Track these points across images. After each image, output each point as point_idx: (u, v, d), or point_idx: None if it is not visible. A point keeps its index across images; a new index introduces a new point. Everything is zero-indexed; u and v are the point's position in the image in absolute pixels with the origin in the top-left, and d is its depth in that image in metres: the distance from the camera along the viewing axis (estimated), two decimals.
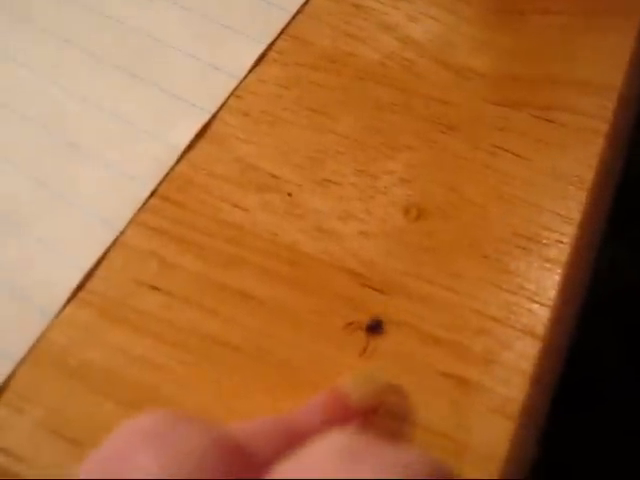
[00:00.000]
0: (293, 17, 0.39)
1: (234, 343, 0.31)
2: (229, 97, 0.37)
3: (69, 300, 0.32)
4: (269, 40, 0.38)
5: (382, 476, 0.17)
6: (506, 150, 0.35)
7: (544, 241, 0.33)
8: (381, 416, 0.29)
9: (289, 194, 0.34)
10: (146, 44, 0.39)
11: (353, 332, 0.31)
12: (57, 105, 0.37)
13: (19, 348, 0.31)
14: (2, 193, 0.35)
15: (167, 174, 0.35)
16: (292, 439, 0.24)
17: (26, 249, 0.33)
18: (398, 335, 0.31)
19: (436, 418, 0.29)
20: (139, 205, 0.34)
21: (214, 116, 0.36)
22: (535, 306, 0.32)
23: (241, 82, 0.37)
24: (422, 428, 0.29)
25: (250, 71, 0.38)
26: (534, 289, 0.32)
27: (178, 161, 0.35)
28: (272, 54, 0.38)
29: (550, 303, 0.32)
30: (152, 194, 0.34)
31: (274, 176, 0.34)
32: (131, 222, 0.34)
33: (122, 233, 0.33)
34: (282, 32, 0.39)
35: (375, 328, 0.31)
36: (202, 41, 0.39)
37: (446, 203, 0.34)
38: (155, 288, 0.32)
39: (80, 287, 0.32)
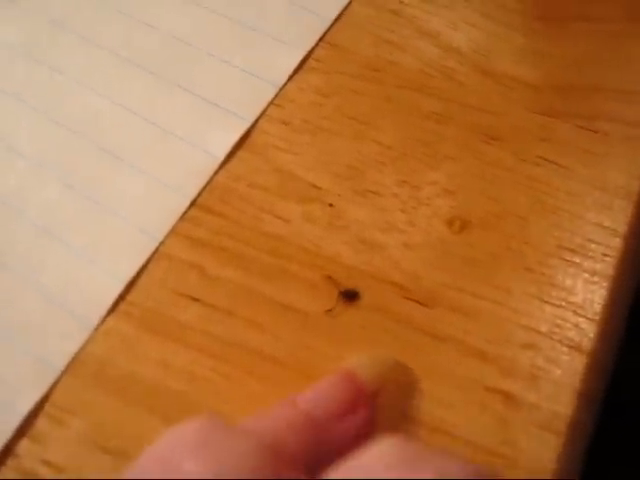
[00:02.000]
0: (332, 24, 0.39)
1: (278, 357, 0.30)
2: (268, 106, 0.36)
3: (110, 311, 0.32)
4: (308, 48, 0.38)
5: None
6: (550, 161, 0.34)
7: (589, 254, 0.32)
8: (389, 396, 0.28)
9: (330, 205, 0.34)
10: (183, 51, 0.39)
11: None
12: (93, 112, 0.37)
13: (60, 359, 0.31)
14: (40, 202, 0.35)
15: (207, 184, 0.34)
16: (315, 429, 0.24)
17: (65, 259, 0.33)
18: (443, 349, 0.30)
19: (482, 433, 0.29)
20: (179, 215, 0.34)
21: (253, 125, 0.36)
22: (581, 320, 0.31)
23: (280, 90, 0.37)
24: (468, 443, 0.28)
25: (289, 79, 0.37)
26: (580, 303, 0.31)
27: (217, 171, 0.35)
28: (311, 62, 0.38)
29: (596, 317, 0.31)
30: (192, 204, 0.34)
31: (315, 186, 0.34)
32: (171, 232, 0.33)
33: (162, 244, 0.33)
34: (321, 40, 0.38)
35: (350, 296, 0.31)
36: (240, 49, 0.39)
37: (490, 215, 0.33)
38: (196, 299, 0.32)
39: (121, 298, 0.32)
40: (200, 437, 0.20)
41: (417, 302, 0.31)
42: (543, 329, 0.31)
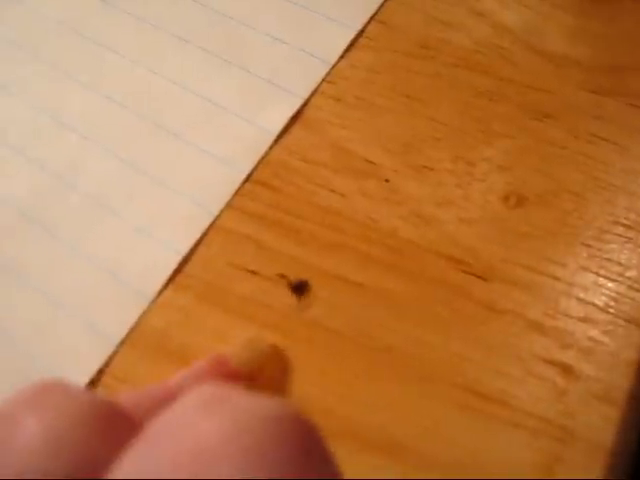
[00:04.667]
0: (383, 3, 0.39)
1: (335, 328, 0.31)
2: (321, 83, 0.37)
3: (167, 284, 0.32)
4: (359, 26, 0.38)
5: (240, 423, 0.17)
6: (603, 138, 0.34)
7: None
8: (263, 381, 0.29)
9: (386, 180, 0.34)
10: (235, 29, 0.39)
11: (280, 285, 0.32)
12: (148, 89, 0.38)
13: (118, 331, 0.31)
14: (95, 177, 0.35)
15: (261, 159, 0.35)
16: (167, 402, 0.24)
17: (122, 233, 0.34)
18: (502, 322, 0.30)
19: (541, 405, 0.29)
20: (234, 189, 0.34)
21: (307, 101, 0.36)
22: (637, 294, 0.31)
23: (333, 68, 0.37)
24: (527, 414, 0.29)
25: (341, 57, 0.37)
26: (635, 277, 0.31)
27: (272, 146, 0.35)
28: (363, 40, 0.38)
29: None
30: (247, 179, 0.34)
31: (370, 162, 0.34)
32: (227, 206, 0.34)
33: (218, 217, 0.33)
34: (372, 18, 0.38)
35: (299, 288, 0.32)
36: (292, 27, 0.39)
37: (545, 191, 0.33)
38: (253, 272, 0.32)
39: (178, 271, 0.32)
40: (37, 395, 0.20)
41: (475, 276, 0.31)
42: (599, 303, 0.31)
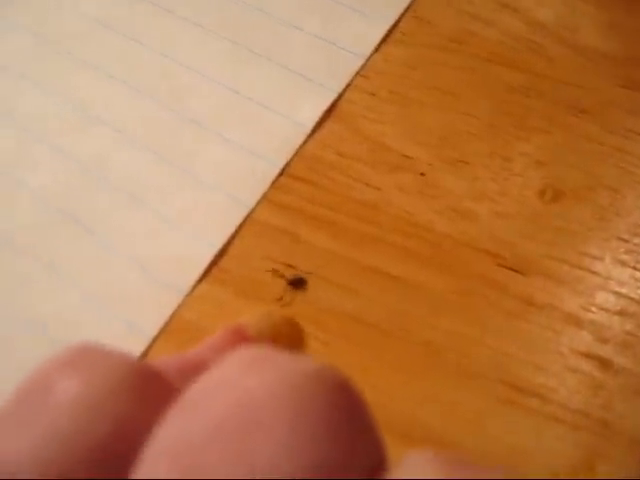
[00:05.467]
0: None
1: (373, 322, 0.31)
2: (355, 77, 0.37)
3: (202, 277, 0.32)
4: (392, 20, 0.38)
5: (285, 380, 0.16)
6: (638, 133, 0.34)
7: None
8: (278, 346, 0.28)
9: (422, 174, 0.34)
10: (268, 22, 0.39)
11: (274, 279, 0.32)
12: (177, 82, 0.38)
13: (153, 325, 0.31)
14: (128, 171, 0.35)
15: (295, 153, 0.35)
16: (198, 369, 0.24)
17: (156, 227, 0.34)
18: (539, 316, 0.30)
19: (580, 399, 0.29)
20: (269, 183, 0.34)
21: (340, 96, 0.36)
22: None
23: (366, 62, 0.37)
24: (566, 409, 0.28)
25: (375, 51, 0.37)
26: None
27: (306, 140, 0.35)
28: (396, 34, 0.38)
29: None
30: (281, 172, 0.34)
31: (406, 156, 0.34)
32: (262, 200, 0.34)
33: (253, 211, 0.33)
34: (405, 12, 0.38)
35: (298, 283, 0.32)
36: (325, 20, 0.39)
37: (581, 186, 0.33)
38: (289, 266, 0.32)
39: (212, 264, 0.32)
40: (76, 356, 0.20)
41: (511, 270, 0.31)
42: (636, 296, 0.31)
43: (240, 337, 0.27)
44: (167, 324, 0.31)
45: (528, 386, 0.29)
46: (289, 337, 0.30)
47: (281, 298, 0.31)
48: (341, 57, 0.37)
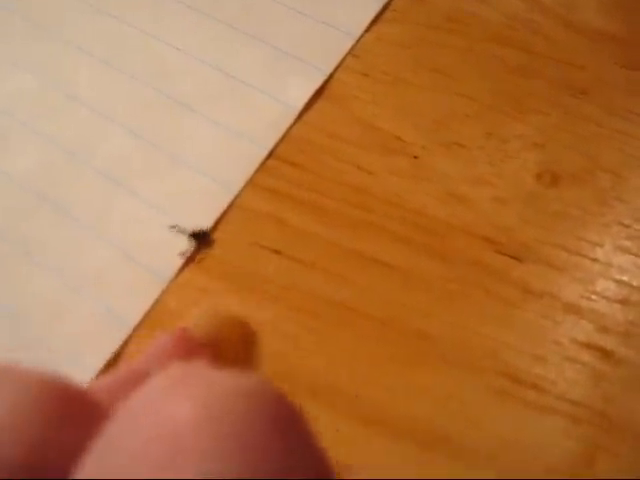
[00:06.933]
0: None
1: (364, 310, 0.29)
2: (346, 57, 0.35)
3: (185, 264, 0.31)
4: None
5: (210, 405, 0.16)
6: (639, 114, 0.33)
7: None
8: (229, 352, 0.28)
9: (415, 157, 0.32)
10: (256, 1, 0.37)
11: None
12: (162, 63, 0.36)
13: (134, 313, 0.30)
14: (110, 154, 0.34)
15: (284, 135, 0.33)
16: (136, 384, 0.23)
17: (138, 212, 0.32)
18: (538, 305, 0.29)
19: (580, 390, 0.28)
20: (256, 166, 0.33)
21: (331, 76, 0.35)
22: None
23: (358, 41, 0.36)
24: (565, 400, 0.27)
25: (366, 30, 0.36)
26: None
27: (295, 122, 0.34)
28: (389, 12, 0.36)
29: None
30: (269, 155, 0.33)
31: (398, 138, 0.33)
32: (248, 184, 0.32)
33: (239, 195, 0.32)
34: None
35: (201, 237, 0.31)
36: None
37: (580, 169, 0.32)
38: (277, 252, 0.31)
39: (196, 251, 0.31)
40: None
41: (509, 256, 0.30)
42: (637, 284, 0.30)
43: (184, 342, 0.26)
44: (149, 312, 0.30)
45: (525, 377, 0.28)
46: (238, 338, 0.29)
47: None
48: (332, 36, 0.36)
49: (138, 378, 0.23)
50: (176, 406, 0.16)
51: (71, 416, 0.18)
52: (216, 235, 0.31)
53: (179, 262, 0.31)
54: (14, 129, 0.35)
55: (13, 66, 0.37)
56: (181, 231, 0.31)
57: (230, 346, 0.28)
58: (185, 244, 0.31)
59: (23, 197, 0.33)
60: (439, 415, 0.27)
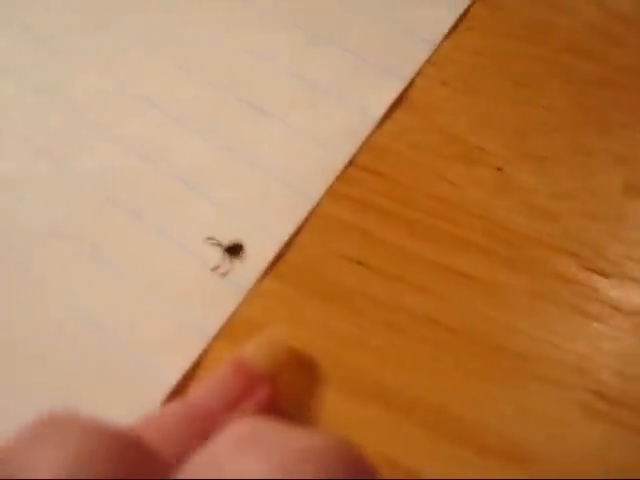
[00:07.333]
0: None
1: (447, 323, 0.29)
2: (424, 65, 0.35)
3: (265, 273, 0.31)
4: (464, 6, 0.36)
5: (279, 462, 0.15)
6: None
7: None
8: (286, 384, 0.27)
9: (498, 169, 0.32)
10: (332, 6, 0.37)
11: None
12: (238, 67, 0.36)
13: (213, 323, 0.30)
14: (184, 158, 0.33)
15: (363, 143, 0.33)
16: (204, 421, 0.23)
17: (215, 217, 0.32)
18: (627, 324, 0.29)
19: None
20: (335, 175, 0.32)
21: (410, 84, 0.34)
22: None
23: (436, 50, 0.35)
24: None
25: (445, 38, 0.36)
26: None
27: (374, 130, 0.33)
28: (467, 21, 0.36)
29: None
30: (349, 164, 0.33)
31: (481, 149, 0.33)
32: (328, 192, 0.32)
33: (318, 203, 0.32)
34: None
35: (234, 250, 0.31)
36: (391, 5, 0.37)
37: None
38: (358, 262, 0.30)
39: (276, 259, 0.31)
40: (47, 430, 0.19)
41: (596, 272, 0.30)
42: None
43: (243, 374, 0.26)
44: (228, 322, 0.29)
45: (614, 394, 0.27)
46: (297, 369, 0.29)
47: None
48: (410, 44, 0.35)
49: (193, 416, 0.23)
50: (250, 465, 0.15)
51: (130, 464, 0.18)
52: (296, 244, 0.31)
53: (257, 271, 0.30)
54: (85, 129, 0.35)
55: (84, 66, 0.36)
56: (217, 244, 0.31)
57: (288, 378, 0.28)
58: (218, 258, 0.31)
59: (93, 200, 0.33)
60: (522, 430, 0.27)
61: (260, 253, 0.31)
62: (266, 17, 0.37)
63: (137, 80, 0.36)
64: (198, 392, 0.25)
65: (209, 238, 0.31)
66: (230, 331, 0.29)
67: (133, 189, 0.33)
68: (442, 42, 0.36)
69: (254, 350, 0.27)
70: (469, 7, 0.36)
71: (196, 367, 0.29)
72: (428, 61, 0.35)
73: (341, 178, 0.32)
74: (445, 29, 0.36)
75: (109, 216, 0.32)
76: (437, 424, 0.27)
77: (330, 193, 0.32)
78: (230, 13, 0.38)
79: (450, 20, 0.36)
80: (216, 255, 0.31)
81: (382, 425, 0.27)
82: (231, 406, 0.25)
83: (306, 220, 0.31)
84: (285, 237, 0.31)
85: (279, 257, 0.31)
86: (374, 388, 0.28)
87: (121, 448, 0.18)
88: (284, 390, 0.27)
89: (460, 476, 0.27)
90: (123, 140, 0.34)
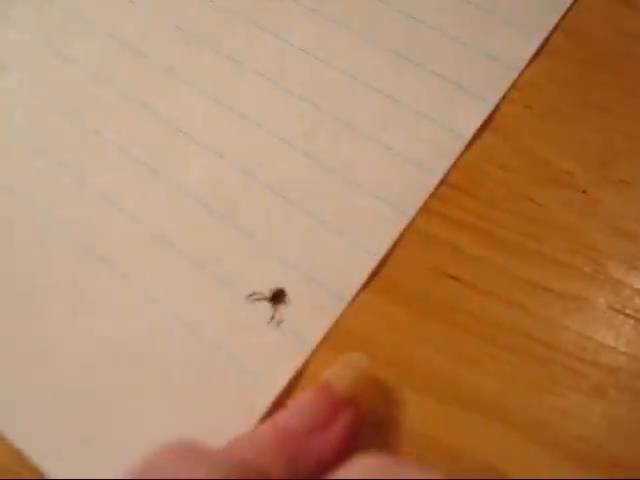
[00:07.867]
0: (567, 11, 0.39)
1: (546, 340, 0.31)
2: (509, 89, 0.37)
3: (364, 286, 0.32)
4: (545, 33, 0.38)
5: None
6: None
7: None
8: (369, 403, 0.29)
9: (584, 192, 0.34)
10: (418, 29, 0.39)
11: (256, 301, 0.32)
12: (330, 85, 0.38)
13: (315, 333, 0.31)
14: (285, 175, 0.35)
15: (454, 163, 0.35)
16: (294, 443, 0.25)
17: (314, 233, 0.34)
18: None
19: None
20: (429, 192, 0.34)
21: (497, 107, 0.36)
22: None
23: (520, 75, 0.37)
24: None
25: (528, 64, 0.37)
26: None
27: (464, 150, 0.35)
28: (549, 48, 0.38)
29: None
30: (442, 182, 0.34)
31: (567, 172, 0.34)
32: (422, 209, 0.34)
33: (414, 220, 0.34)
34: (557, 26, 0.39)
35: (278, 297, 0.32)
36: (475, 30, 0.39)
37: None
38: (454, 278, 0.32)
39: (374, 273, 0.33)
40: (173, 458, 0.20)
41: None
42: None
43: (328, 398, 0.27)
44: (330, 333, 0.31)
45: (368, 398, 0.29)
46: (376, 394, 0.30)
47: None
48: (495, 69, 0.37)
49: (286, 437, 0.25)
50: None
51: None
52: (393, 259, 0.33)
53: (358, 283, 0.32)
54: (185, 144, 0.36)
55: (181, 80, 0.38)
56: (260, 298, 0.32)
57: (370, 402, 0.30)
58: (268, 310, 0.32)
59: (195, 212, 0.34)
60: (613, 440, 0.29)
61: (359, 267, 0.32)
62: (352, 37, 0.39)
63: (231, 96, 0.37)
64: (285, 415, 0.27)
65: (250, 295, 0.32)
66: (332, 342, 0.31)
67: (237, 204, 0.34)
68: (525, 68, 0.37)
69: (338, 374, 0.28)
70: (550, 35, 0.38)
71: (299, 375, 0.30)
72: (513, 86, 0.37)
73: (435, 196, 0.34)
74: (528, 55, 0.37)
75: (213, 227, 0.34)
76: (528, 432, 0.29)
77: (424, 210, 0.34)
78: (325, 36, 0.39)
79: (533, 46, 0.38)
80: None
81: (483, 433, 0.29)
82: (317, 429, 0.26)
83: (402, 236, 0.33)
84: (383, 252, 0.33)
85: (377, 271, 0.33)
86: (471, 398, 0.30)
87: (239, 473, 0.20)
88: (366, 414, 0.28)
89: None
90: (225, 157, 0.36)
